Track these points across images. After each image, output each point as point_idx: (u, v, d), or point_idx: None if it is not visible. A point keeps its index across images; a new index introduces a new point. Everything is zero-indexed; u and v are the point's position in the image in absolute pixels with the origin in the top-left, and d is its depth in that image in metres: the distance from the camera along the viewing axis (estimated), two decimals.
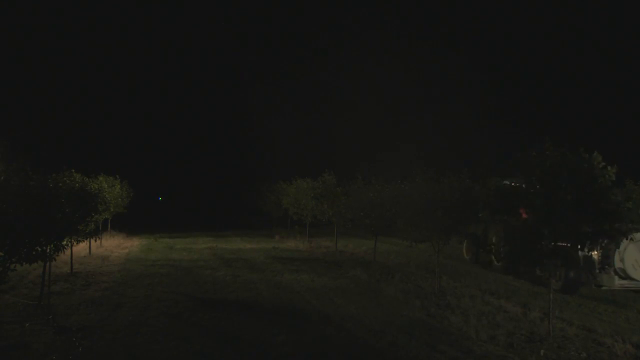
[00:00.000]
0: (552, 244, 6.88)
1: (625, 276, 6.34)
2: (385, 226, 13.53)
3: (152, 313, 8.52)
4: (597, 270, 9.82)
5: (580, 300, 10.31)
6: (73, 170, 10.93)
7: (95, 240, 14.61)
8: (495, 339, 7.25)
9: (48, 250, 8.55)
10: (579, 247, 6.82)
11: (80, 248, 15.56)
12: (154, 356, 6.45)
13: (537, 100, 60.29)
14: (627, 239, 6.73)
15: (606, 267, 7.12)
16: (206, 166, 50.78)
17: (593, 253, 9.90)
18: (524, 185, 7.44)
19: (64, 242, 9.23)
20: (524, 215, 7.29)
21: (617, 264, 9.21)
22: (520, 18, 64.27)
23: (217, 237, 23.70)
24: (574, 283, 10.68)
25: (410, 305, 9.36)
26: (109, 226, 21.32)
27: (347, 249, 18.93)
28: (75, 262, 13.51)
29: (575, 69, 61.87)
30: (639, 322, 8.69)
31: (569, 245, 6.85)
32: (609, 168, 6.80)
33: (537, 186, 7.16)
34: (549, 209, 7.03)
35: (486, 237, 13.83)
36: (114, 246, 18.77)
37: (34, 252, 8.12)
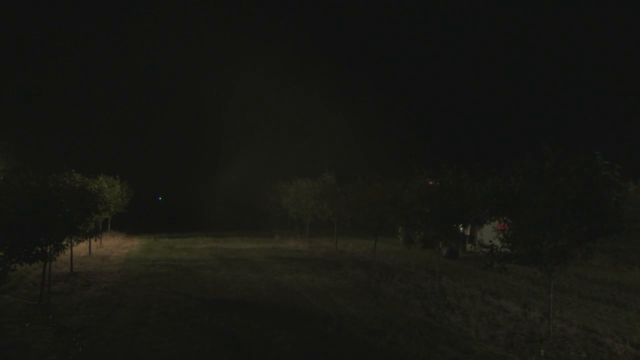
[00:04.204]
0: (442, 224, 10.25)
1: (483, 245, 8.33)
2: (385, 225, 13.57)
3: (152, 313, 8.52)
4: (468, 242, 16.90)
5: (580, 301, 10.33)
6: (73, 171, 10.94)
7: (95, 240, 14.63)
8: (495, 339, 7.26)
9: (48, 250, 8.56)
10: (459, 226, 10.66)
11: (80, 248, 15.59)
12: (154, 356, 6.45)
13: (536, 101, 60.26)
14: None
15: (474, 239, 8.80)
16: (206, 166, 50.80)
17: (465, 230, 16.80)
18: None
19: (64, 242, 9.24)
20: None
21: (479, 237, 14.63)
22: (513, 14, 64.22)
23: (217, 237, 23.71)
24: (455, 250, 16.71)
25: (410, 305, 9.36)
26: (109, 226, 21.34)
27: (347, 249, 18.93)
28: (75, 262, 13.52)
29: (572, 68, 61.87)
30: (639, 322, 8.70)
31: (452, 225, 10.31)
32: (617, 167, 6.86)
33: (538, 188, 7.19)
34: (549, 209, 7.06)
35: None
36: (114, 246, 18.77)
37: (34, 252, 8.13)
